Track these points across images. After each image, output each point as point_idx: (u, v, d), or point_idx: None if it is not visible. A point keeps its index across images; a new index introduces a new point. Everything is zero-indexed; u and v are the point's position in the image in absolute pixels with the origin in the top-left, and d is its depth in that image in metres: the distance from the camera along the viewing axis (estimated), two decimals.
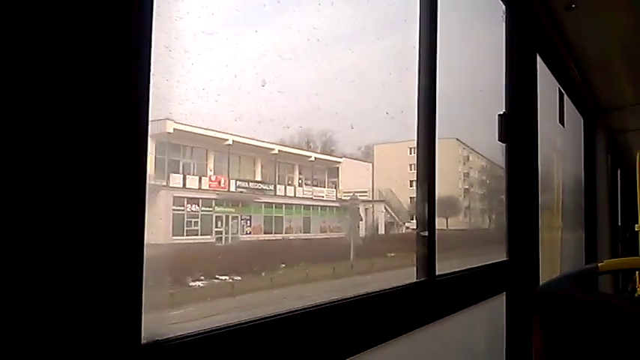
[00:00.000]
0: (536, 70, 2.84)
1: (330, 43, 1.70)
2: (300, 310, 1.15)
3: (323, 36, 1.63)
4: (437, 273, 1.76)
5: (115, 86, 0.72)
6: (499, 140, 2.56)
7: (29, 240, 0.61)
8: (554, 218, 4.22)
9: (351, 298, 1.34)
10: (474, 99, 2.58)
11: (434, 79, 1.82)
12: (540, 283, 2.61)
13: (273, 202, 2.25)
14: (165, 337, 0.83)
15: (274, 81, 1.59)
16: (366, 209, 2.64)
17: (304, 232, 2.44)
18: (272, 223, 2.25)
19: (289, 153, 2.34)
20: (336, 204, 2.50)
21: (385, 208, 2.79)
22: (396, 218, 2.88)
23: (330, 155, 2.48)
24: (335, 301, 1.28)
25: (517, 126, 2.55)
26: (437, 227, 1.79)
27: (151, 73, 0.79)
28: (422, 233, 1.81)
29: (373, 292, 1.43)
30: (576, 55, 3.45)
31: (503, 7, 2.56)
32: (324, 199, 2.48)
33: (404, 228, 2.90)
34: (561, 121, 4.06)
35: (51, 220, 0.63)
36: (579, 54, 3.45)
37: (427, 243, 1.77)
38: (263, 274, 1.92)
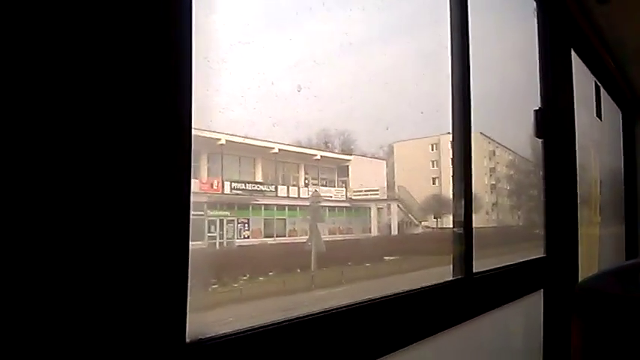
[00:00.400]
0: (570, 65, 2.81)
1: (362, 46, 1.73)
2: (336, 309, 1.17)
3: (355, 40, 1.66)
4: (474, 270, 1.77)
5: (160, 99, 0.76)
6: (536, 136, 2.54)
7: (87, 241, 0.66)
8: (593, 213, 4.14)
9: (388, 296, 1.36)
10: (504, 95, 2.56)
11: (467, 77, 1.83)
12: (579, 280, 2.58)
13: (274, 204, 2.15)
14: (208, 336, 0.85)
15: (310, 86, 1.63)
16: (378, 209, 2.53)
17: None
18: (273, 226, 2.15)
19: (292, 152, 2.22)
20: (347, 204, 2.38)
21: (399, 207, 2.67)
22: (412, 217, 2.79)
23: (338, 153, 2.36)
24: (372, 300, 1.30)
25: (553, 121, 2.53)
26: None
27: (193, 84, 0.83)
28: (458, 231, 1.83)
29: (410, 291, 1.46)
30: (612, 48, 3.39)
31: (534, 3, 2.55)
32: (332, 199, 2.36)
33: (420, 227, 2.82)
34: (598, 115, 3.98)
35: (104, 220, 0.68)
36: (615, 47, 3.38)
37: (464, 240, 1.78)
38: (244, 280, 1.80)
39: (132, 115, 0.72)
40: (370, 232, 2.54)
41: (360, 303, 1.26)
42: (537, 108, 2.51)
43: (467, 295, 1.75)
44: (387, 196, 2.58)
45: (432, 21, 1.97)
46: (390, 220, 2.60)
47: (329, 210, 2.33)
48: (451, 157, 1.81)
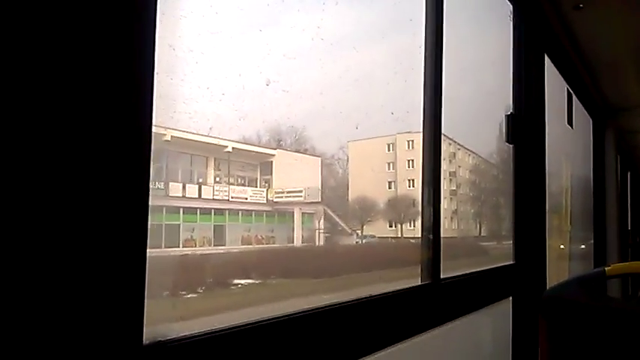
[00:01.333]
0: (543, 71, 2.81)
1: (334, 42, 1.68)
2: (302, 312, 1.14)
3: (327, 35, 1.61)
4: (442, 276, 1.74)
5: (119, 84, 0.71)
6: (506, 141, 2.53)
7: (32, 240, 0.61)
8: (563, 221, 4.18)
9: (353, 300, 1.33)
10: (477, 99, 2.54)
11: (440, 78, 1.80)
12: (547, 287, 2.58)
13: (163, 206, 1.67)
14: (168, 338, 0.83)
15: (279, 80, 1.58)
16: (304, 214, 2.11)
17: (215, 245, 1.88)
18: (162, 234, 1.68)
19: (198, 142, 1.77)
20: (267, 207, 1.99)
21: (327, 212, 2.23)
22: (344, 225, 2.40)
23: (259, 146, 1.96)
24: (337, 304, 1.26)
25: (524, 127, 2.52)
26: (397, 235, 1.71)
27: (155, 71, 0.78)
28: (428, 236, 1.80)
29: (377, 295, 1.42)
30: (585, 55, 3.42)
31: (511, 6, 2.54)
32: (248, 201, 1.97)
33: (356, 237, 2.42)
34: (570, 122, 4.01)
35: (56, 222, 0.63)
36: (588, 54, 3.41)
37: (432, 246, 1.76)
38: None
39: (83, 101, 0.66)
40: (293, 241, 2.12)
41: (323, 307, 1.22)
42: (509, 113, 2.50)
43: (435, 301, 1.72)
44: (322, 199, 2.21)
45: (406, 20, 1.94)
46: (318, 227, 2.19)
47: (243, 214, 1.94)
48: (409, 158, 1.76)
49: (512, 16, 2.55)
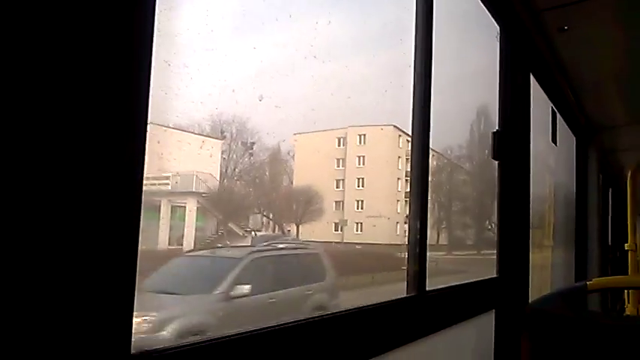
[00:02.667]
0: (529, 89, 2.88)
1: (326, 60, 1.73)
2: (288, 324, 1.15)
3: (320, 53, 1.66)
4: (427, 288, 1.78)
5: (115, 97, 0.73)
6: (492, 158, 2.59)
7: (20, 243, 0.62)
8: (545, 236, 4.25)
9: (339, 312, 1.35)
10: (465, 116, 2.60)
11: (428, 95, 1.85)
12: (530, 301, 2.63)
13: None
14: (154, 348, 0.83)
15: (271, 96, 1.62)
16: (174, 207, 1.70)
17: None
18: None
19: None
20: None
21: (200, 204, 1.78)
22: (233, 226, 1.91)
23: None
24: (323, 316, 1.29)
25: (510, 144, 2.59)
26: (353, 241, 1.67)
27: (151, 86, 0.80)
28: (414, 249, 1.83)
29: (362, 307, 1.44)
30: (569, 75, 3.51)
31: (498, 27, 2.61)
32: None
33: (251, 237, 1.97)
34: (554, 140, 4.10)
35: (47, 226, 0.64)
36: (572, 74, 3.50)
37: (418, 258, 1.79)
38: None
39: (80, 111, 0.68)
40: (158, 242, 1.74)
41: (308, 319, 1.24)
42: (495, 130, 2.56)
43: (420, 313, 1.75)
44: (221, 189, 1.80)
45: (397, 39, 1.99)
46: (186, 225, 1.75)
47: None
48: (359, 155, 1.70)
49: (499, 37, 2.62)
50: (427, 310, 1.80)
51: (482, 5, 2.38)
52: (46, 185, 0.64)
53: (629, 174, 4.94)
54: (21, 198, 0.62)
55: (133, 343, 0.76)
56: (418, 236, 1.81)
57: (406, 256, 1.79)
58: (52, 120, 0.65)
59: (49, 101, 0.65)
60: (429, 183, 1.70)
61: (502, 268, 2.52)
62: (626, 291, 4.76)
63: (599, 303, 4.60)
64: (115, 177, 0.73)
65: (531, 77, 2.95)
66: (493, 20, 2.55)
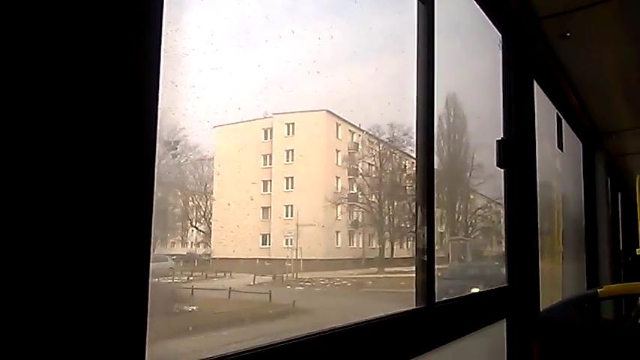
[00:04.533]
0: (533, 96, 2.88)
1: (329, 75, 1.74)
2: (295, 339, 1.15)
3: (322, 68, 1.68)
4: (436, 300, 1.77)
5: (125, 117, 0.75)
6: (497, 166, 2.59)
7: (37, 256, 0.63)
8: (555, 243, 4.22)
9: (349, 326, 1.35)
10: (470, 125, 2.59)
11: (432, 105, 1.85)
12: (541, 309, 2.60)
13: None
14: None
15: (275, 111, 1.63)
16: None
17: None
18: None
19: None
20: None
21: None
22: None
23: None
24: (332, 330, 1.28)
25: (515, 151, 2.58)
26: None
27: (159, 107, 0.82)
28: (422, 258, 1.82)
29: (371, 320, 1.44)
30: (573, 81, 3.50)
31: (500, 35, 2.62)
32: None
33: None
34: (560, 146, 4.09)
35: (63, 239, 0.65)
36: (576, 80, 3.49)
37: (426, 268, 1.78)
38: None
39: (89, 138, 0.70)
40: None
41: (318, 333, 1.24)
42: (500, 138, 2.56)
43: (429, 325, 1.74)
44: None
45: (398, 50, 2.00)
46: None
47: None
48: (288, 148, 1.57)
49: (501, 45, 2.63)
50: (437, 321, 1.78)
51: (483, 13, 2.39)
52: (59, 195, 0.65)
53: (637, 178, 4.91)
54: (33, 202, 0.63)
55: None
56: (425, 245, 1.80)
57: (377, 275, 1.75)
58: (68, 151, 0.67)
59: (65, 130, 0.66)
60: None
61: (512, 277, 2.50)
62: (639, 298, 4.70)
63: (613, 310, 4.54)
64: (128, 191, 0.75)
65: (535, 84, 2.96)
66: (495, 28, 2.56)
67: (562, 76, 3.40)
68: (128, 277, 0.74)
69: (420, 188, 1.84)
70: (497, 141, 2.56)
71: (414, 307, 1.72)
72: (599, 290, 2.37)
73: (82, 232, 0.68)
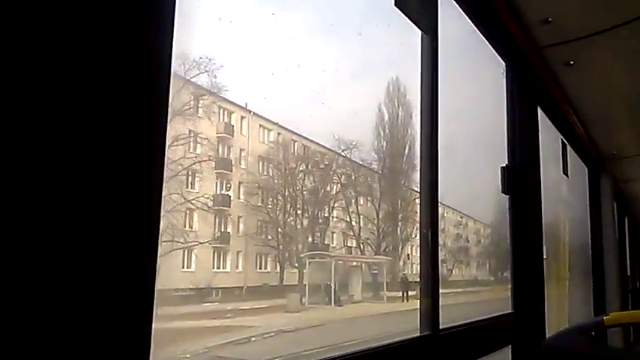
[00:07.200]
0: (537, 123, 2.90)
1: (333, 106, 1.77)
2: None
3: (326, 99, 1.71)
4: (440, 327, 1.76)
5: (135, 117, 0.76)
6: (502, 192, 2.60)
7: (44, 259, 0.63)
8: (561, 268, 4.20)
9: (353, 353, 1.35)
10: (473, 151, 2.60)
11: (435, 129, 1.88)
12: (547, 336, 2.58)
13: None
14: None
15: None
16: None
17: None
18: None
19: None
20: None
21: None
22: None
23: None
24: (335, 358, 1.28)
25: (520, 178, 2.59)
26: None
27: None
28: (426, 284, 1.82)
29: (376, 348, 1.44)
30: (577, 107, 3.53)
31: (504, 63, 2.65)
32: None
33: None
34: (565, 172, 4.09)
35: (71, 243, 0.66)
36: (580, 106, 3.52)
37: (431, 295, 1.78)
38: None
39: (96, 139, 0.71)
40: None
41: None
42: (504, 165, 2.58)
43: (434, 353, 1.73)
44: None
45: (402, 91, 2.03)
46: None
47: None
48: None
49: (505, 73, 2.66)
50: (442, 349, 1.78)
51: (486, 42, 2.43)
52: (66, 198, 0.66)
53: None
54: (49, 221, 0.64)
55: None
56: (430, 270, 1.80)
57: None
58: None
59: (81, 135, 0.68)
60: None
61: (517, 303, 2.49)
62: None
63: (622, 337, 4.49)
64: (136, 192, 0.75)
65: (539, 110, 2.98)
66: (499, 57, 2.59)
67: (566, 103, 3.43)
68: (135, 278, 0.74)
69: (423, 213, 1.86)
70: (501, 168, 2.57)
71: (419, 334, 1.72)
72: (605, 318, 2.35)
73: (89, 231, 0.69)
